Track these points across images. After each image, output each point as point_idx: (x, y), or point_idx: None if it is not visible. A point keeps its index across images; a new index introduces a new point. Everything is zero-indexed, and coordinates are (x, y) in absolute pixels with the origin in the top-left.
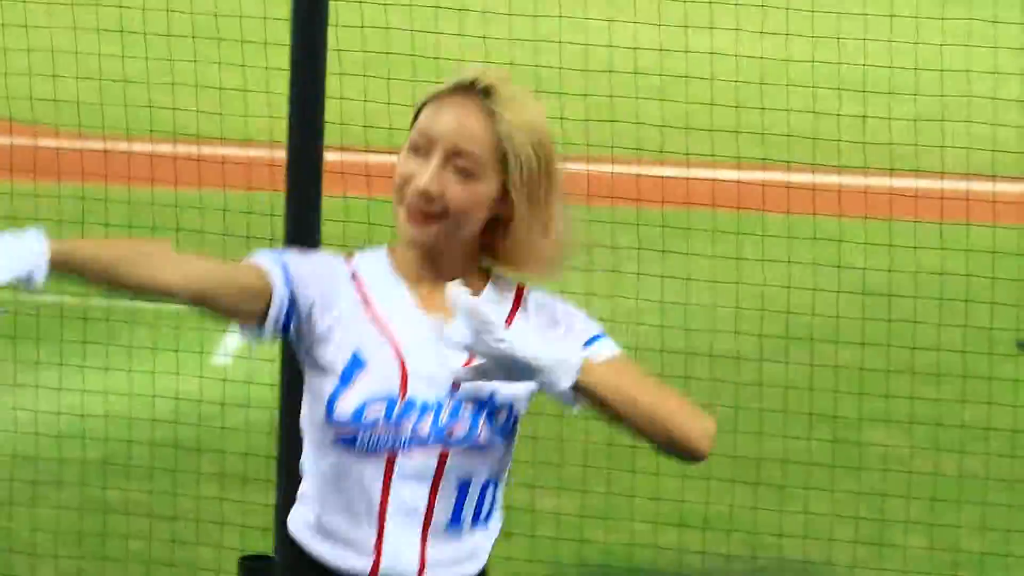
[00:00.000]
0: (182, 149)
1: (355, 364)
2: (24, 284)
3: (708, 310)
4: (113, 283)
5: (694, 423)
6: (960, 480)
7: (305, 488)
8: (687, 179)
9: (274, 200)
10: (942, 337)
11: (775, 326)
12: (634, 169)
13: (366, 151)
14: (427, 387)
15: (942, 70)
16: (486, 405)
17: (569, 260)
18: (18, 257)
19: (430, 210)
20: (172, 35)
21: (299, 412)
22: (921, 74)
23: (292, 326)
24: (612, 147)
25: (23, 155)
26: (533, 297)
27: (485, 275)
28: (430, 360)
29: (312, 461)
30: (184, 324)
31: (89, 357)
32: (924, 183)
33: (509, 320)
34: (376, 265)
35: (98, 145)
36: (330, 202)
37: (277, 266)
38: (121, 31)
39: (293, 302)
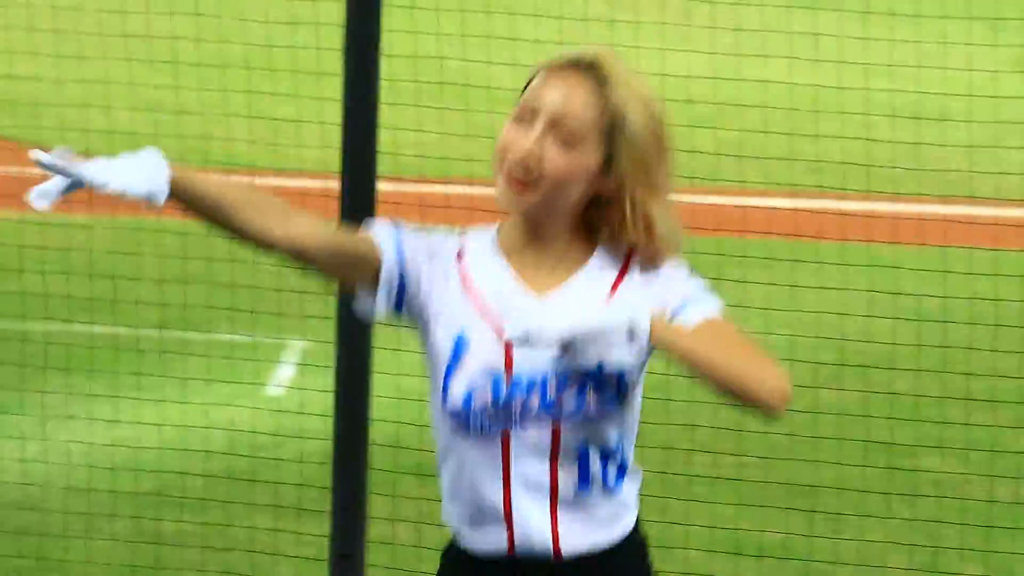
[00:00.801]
0: (236, 179)
1: (460, 345)
2: (146, 203)
3: (762, 338)
4: (222, 222)
5: (766, 384)
6: (1015, 507)
7: (440, 473)
8: (742, 207)
9: None
10: (997, 363)
11: (830, 353)
12: (688, 197)
13: (419, 181)
14: (531, 362)
15: (995, 97)
16: (593, 376)
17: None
18: (142, 175)
19: (527, 178)
20: (226, 66)
21: (352, 442)
22: (974, 101)
23: (404, 304)
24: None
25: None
26: (639, 259)
27: (591, 246)
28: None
29: (439, 444)
30: (237, 355)
31: (143, 389)
32: (979, 210)
33: (615, 286)
34: (482, 242)
35: None
36: None
37: (391, 240)
38: (175, 63)
39: (403, 278)
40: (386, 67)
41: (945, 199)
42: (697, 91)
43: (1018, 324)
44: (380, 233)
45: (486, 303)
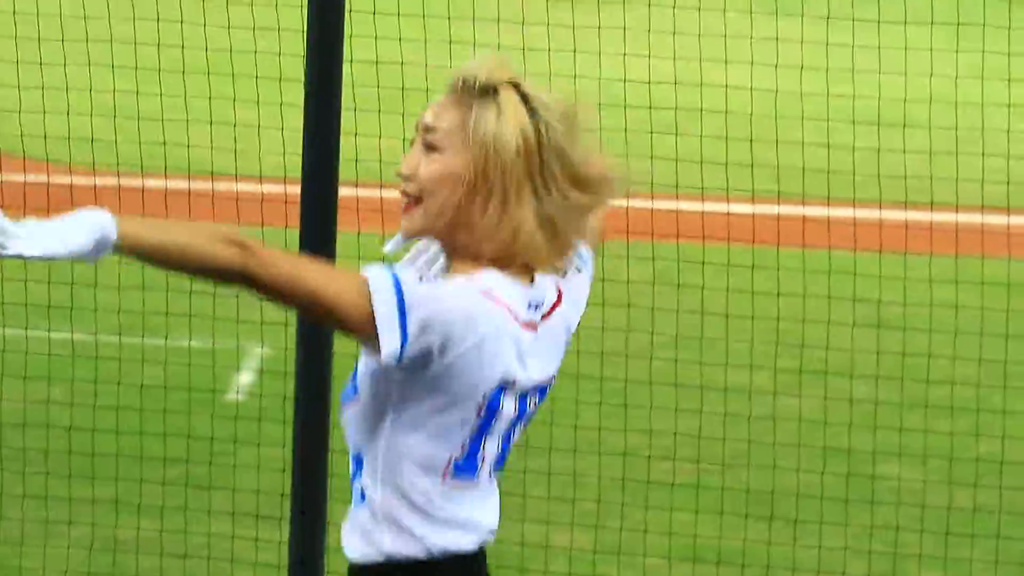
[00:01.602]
0: (196, 185)
1: None
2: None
3: (721, 344)
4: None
5: (214, 247)
6: (974, 514)
7: None
8: (702, 213)
9: (288, 236)
10: (956, 370)
11: (789, 360)
12: (649, 203)
13: (380, 187)
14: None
15: (956, 102)
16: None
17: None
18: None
19: (409, 193)
20: (186, 71)
21: (312, 448)
22: (935, 106)
23: None
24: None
25: (36, 192)
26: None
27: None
28: None
29: None
30: (196, 362)
31: (101, 396)
32: (938, 216)
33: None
34: None
35: (112, 182)
36: (344, 237)
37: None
38: (136, 67)
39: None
40: (347, 72)
41: (905, 205)
42: (659, 97)
43: (977, 331)
44: None
45: None
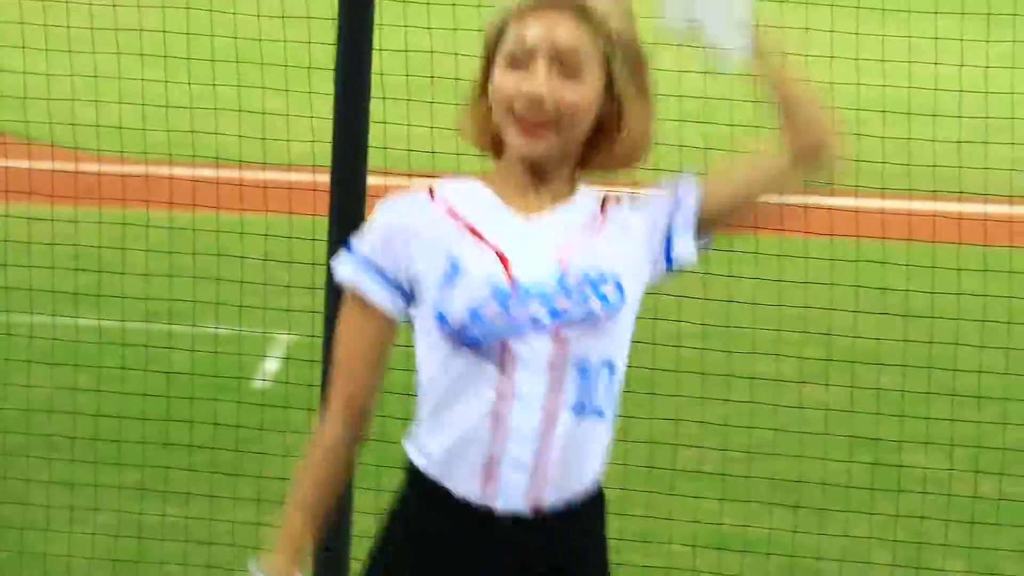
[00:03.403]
0: (224, 174)
1: (452, 265)
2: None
3: (749, 333)
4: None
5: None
6: (999, 503)
7: (422, 413)
8: None
9: (316, 225)
10: (983, 360)
11: (816, 349)
12: None
13: (409, 175)
14: (531, 273)
15: (986, 92)
16: (592, 281)
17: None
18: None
19: (544, 118)
20: (215, 60)
21: None
22: (965, 96)
23: (412, 295)
24: (656, 171)
25: (64, 180)
26: (615, 197)
27: (574, 183)
28: (532, 252)
29: (428, 383)
30: (222, 349)
31: (127, 383)
32: (967, 206)
33: (603, 209)
34: (466, 187)
35: (140, 170)
36: None
37: (375, 285)
38: (164, 56)
39: (392, 281)
40: (376, 61)
41: (934, 195)
42: (688, 87)
43: (1004, 320)
44: (368, 292)
45: (471, 222)
